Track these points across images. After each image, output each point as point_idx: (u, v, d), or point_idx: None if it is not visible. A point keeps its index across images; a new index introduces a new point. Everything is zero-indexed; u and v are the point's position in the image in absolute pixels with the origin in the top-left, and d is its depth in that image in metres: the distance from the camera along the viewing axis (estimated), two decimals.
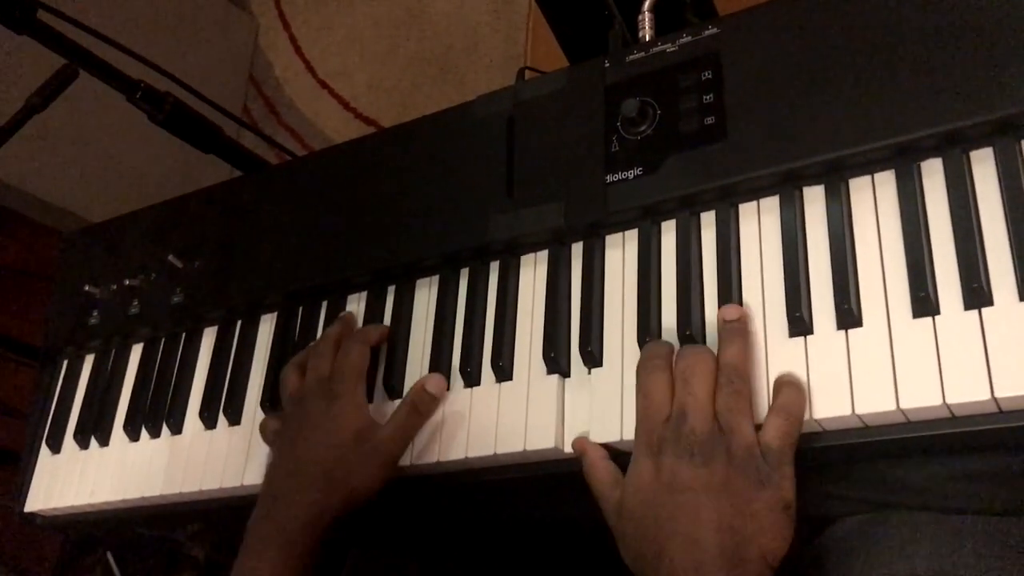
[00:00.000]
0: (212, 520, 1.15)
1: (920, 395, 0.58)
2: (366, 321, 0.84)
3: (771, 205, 0.69)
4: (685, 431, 0.61)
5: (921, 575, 0.63)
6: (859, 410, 0.59)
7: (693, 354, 0.64)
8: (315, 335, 0.86)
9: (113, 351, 1.00)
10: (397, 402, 0.77)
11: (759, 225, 0.69)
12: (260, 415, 0.85)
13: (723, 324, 0.65)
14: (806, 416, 0.61)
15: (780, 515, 0.59)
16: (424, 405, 0.75)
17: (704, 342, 0.67)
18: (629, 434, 0.66)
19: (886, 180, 0.65)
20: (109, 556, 1.67)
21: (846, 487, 0.66)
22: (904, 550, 0.64)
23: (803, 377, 0.62)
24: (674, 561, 0.59)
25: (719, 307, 0.66)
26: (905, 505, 0.65)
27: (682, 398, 0.63)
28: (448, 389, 0.76)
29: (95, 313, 0.99)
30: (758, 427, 0.62)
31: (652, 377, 0.65)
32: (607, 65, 0.78)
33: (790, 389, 0.61)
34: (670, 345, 0.67)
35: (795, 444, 0.61)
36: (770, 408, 0.62)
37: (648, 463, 0.63)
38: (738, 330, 0.64)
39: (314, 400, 0.76)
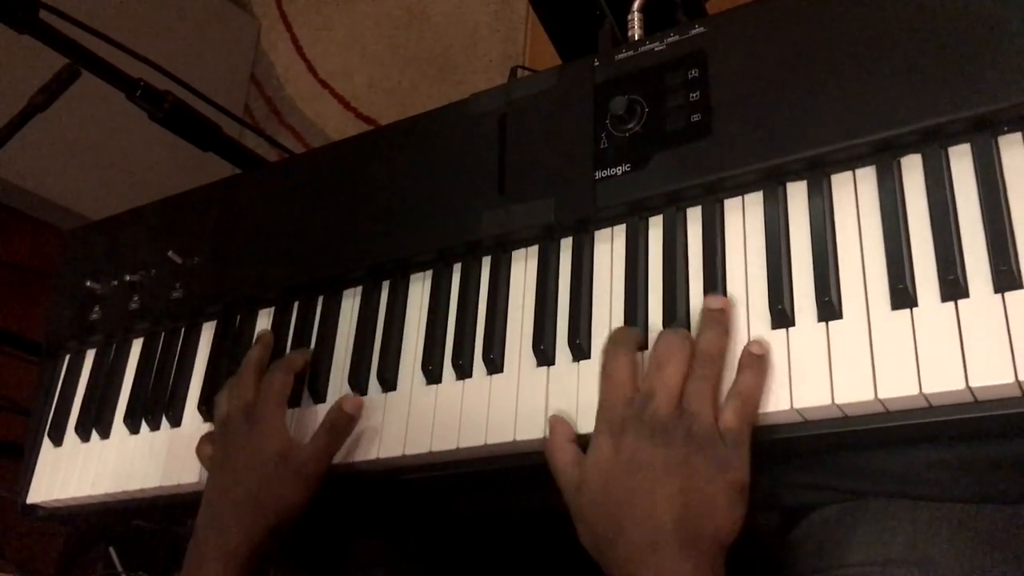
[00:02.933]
0: None
1: (898, 385, 0.59)
2: (361, 315, 0.85)
3: (755, 200, 0.70)
4: (648, 412, 0.63)
5: (897, 561, 0.65)
6: (839, 400, 0.61)
7: (671, 341, 0.65)
8: (311, 329, 0.88)
9: (114, 346, 1.01)
10: (392, 395, 0.79)
11: (743, 220, 0.70)
12: None
13: (706, 312, 0.66)
14: (787, 407, 0.62)
15: (735, 496, 0.61)
16: (342, 424, 0.78)
17: None
18: None
19: (867, 176, 0.67)
20: (111, 551, 1.68)
21: (825, 476, 0.67)
22: (881, 537, 0.66)
23: (784, 367, 0.63)
24: (631, 538, 0.61)
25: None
26: (882, 493, 0.66)
27: (652, 381, 0.64)
28: (437, 388, 0.77)
29: (96, 309, 1.01)
30: None
31: (616, 359, 0.67)
32: (597, 64, 0.79)
33: (749, 372, 0.63)
34: (637, 331, 0.69)
35: (752, 426, 0.62)
36: (730, 391, 0.63)
37: (609, 441, 0.64)
38: (718, 319, 0.66)
39: (237, 424, 0.80)
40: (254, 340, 0.88)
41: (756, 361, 0.63)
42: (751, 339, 0.65)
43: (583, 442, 0.68)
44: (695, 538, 0.60)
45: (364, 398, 0.80)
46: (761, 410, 0.63)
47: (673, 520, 0.60)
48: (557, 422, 0.69)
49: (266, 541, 0.77)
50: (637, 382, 0.66)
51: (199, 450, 0.84)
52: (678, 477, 0.61)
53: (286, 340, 0.89)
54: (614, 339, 0.68)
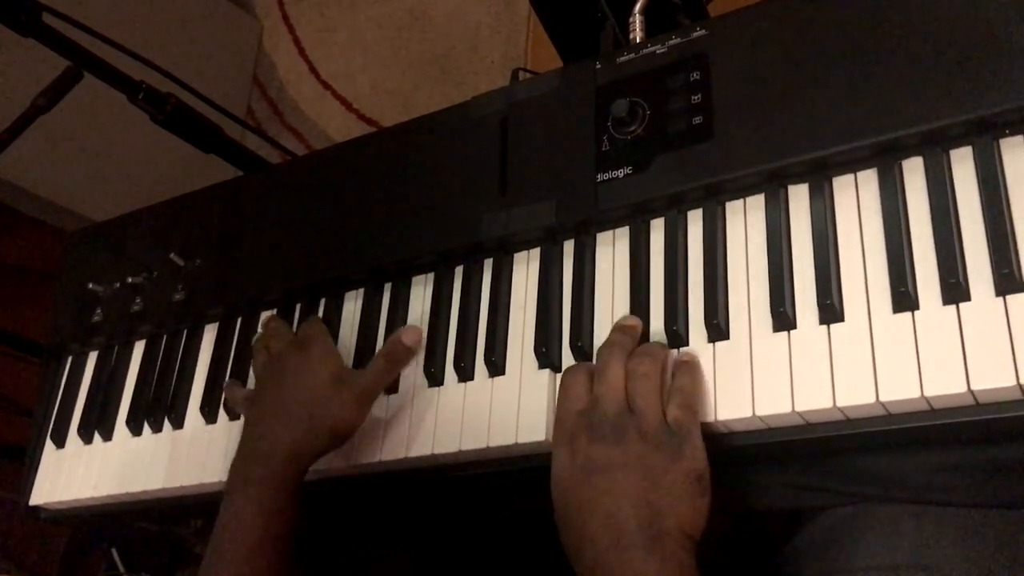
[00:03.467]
0: (214, 516, 1.16)
1: (900, 388, 0.59)
2: (363, 317, 0.85)
3: (757, 203, 0.70)
4: (597, 415, 0.64)
5: (904, 567, 0.65)
6: (841, 403, 0.61)
7: (607, 351, 0.67)
8: None
9: (116, 348, 1.01)
10: (394, 398, 0.79)
11: (745, 223, 0.70)
12: None
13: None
14: (788, 410, 0.62)
15: (694, 485, 0.61)
16: (400, 354, 0.79)
17: (691, 337, 0.69)
18: None
19: (869, 179, 0.67)
20: (114, 552, 1.68)
21: (828, 480, 0.68)
22: (887, 542, 0.66)
23: (786, 370, 0.63)
24: (595, 540, 0.61)
25: (705, 303, 0.68)
26: (887, 498, 0.66)
27: (596, 388, 0.66)
28: (439, 390, 0.78)
29: (98, 311, 1.01)
30: None
31: (571, 375, 0.68)
32: (598, 66, 0.79)
33: (682, 374, 0.65)
34: (621, 347, 0.69)
35: (697, 416, 0.63)
36: (669, 388, 0.65)
37: (564, 451, 0.65)
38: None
39: (289, 355, 0.80)
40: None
41: (686, 365, 0.66)
42: (752, 343, 0.65)
43: None
44: (658, 534, 0.59)
45: (416, 328, 0.80)
46: (763, 412, 0.63)
47: (635, 518, 0.60)
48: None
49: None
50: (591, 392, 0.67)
51: (231, 396, 0.83)
52: (634, 474, 0.61)
53: None
54: (571, 366, 0.70)
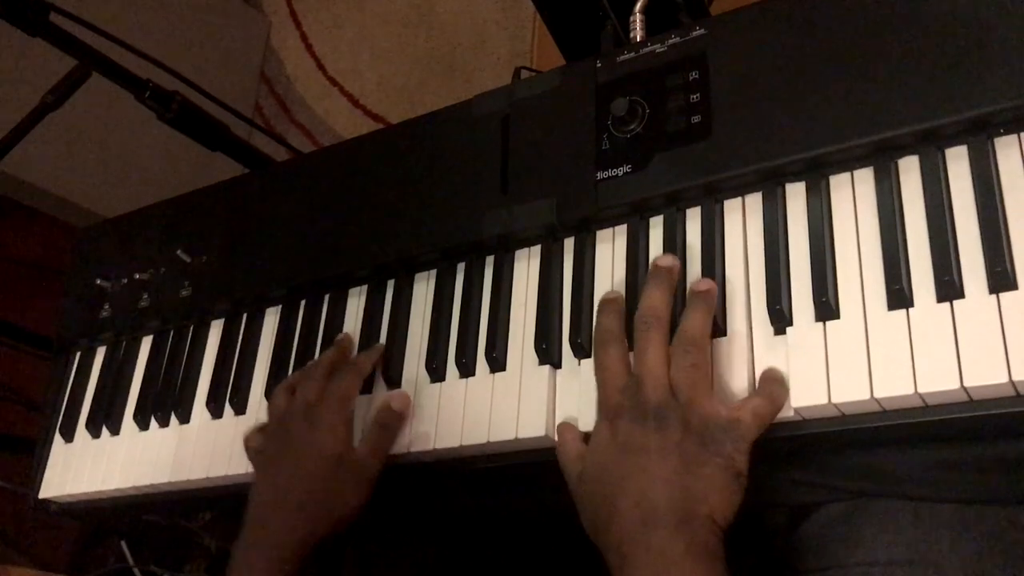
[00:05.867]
0: (221, 509, 1.18)
1: (894, 384, 0.60)
2: (367, 314, 0.86)
3: (754, 201, 0.71)
4: (641, 398, 0.64)
5: (899, 562, 0.65)
6: (835, 399, 0.61)
7: (643, 329, 0.67)
8: (317, 328, 0.89)
9: (124, 343, 1.03)
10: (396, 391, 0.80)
11: (743, 220, 0.71)
12: (265, 405, 0.87)
13: (691, 294, 0.67)
14: (784, 404, 0.63)
15: (731, 479, 0.61)
16: (391, 422, 0.78)
17: None
18: None
19: (865, 177, 0.67)
20: (123, 545, 1.70)
21: (825, 476, 0.68)
22: (883, 538, 0.67)
23: (783, 367, 0.64)
24: (625, 517, 0.61)
25: None
26: (882, 494, 0.67)
27: (637, 369, 0.66)
28: (440, 386, 0.78)
29: (106, 306, 1.02)
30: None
31: (606, 350, 0.68)
32: (599, 65, 0.80)
33: (779, 384, 0.63)
34: (618, 314, 0.69)
35: (763, 429, 0.63)
36: (757, 389, 0.64)
37: (605, 427, 0.65)
38: (703, 301, 0.66)
39: (297, 424, 0.78)
40: (335, 342, 0.86)
41: (774, 379, 0.63)
42: (751, 339, 0.66)
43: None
44: (689, 517, 0.60)
45: (403, 394, 0.79)
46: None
47: (667, 499, 0.60)
48: (565, 427, 0.70)
49: (316, 552, 0.75)
50: (630, 369, 0.67)
51: (247, 441, 0.82)
52: (672, 460, 0.61)
53: (293, 337, 0.90)
54: (599, 329, 0.70)
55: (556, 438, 0.71)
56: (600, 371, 0.68)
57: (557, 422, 0.72)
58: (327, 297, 0.90)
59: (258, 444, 0.81)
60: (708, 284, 0.67)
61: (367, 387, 0.82)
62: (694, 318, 0.66)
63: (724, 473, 0.61)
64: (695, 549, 0.59)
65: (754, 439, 0.62)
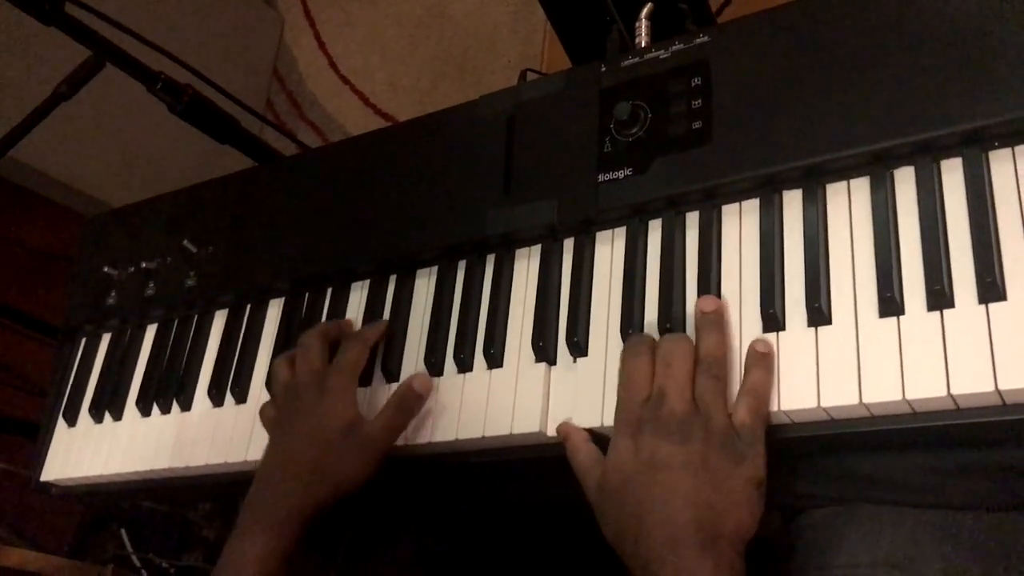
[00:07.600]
0: (221, 498, 1.19)
1: (882, 390, 0.61)
2: (368, 308, 0.87)
3: (752, 207, 0.72)
4: (664, 411, 0.65)
5: (883, 564, 0.66)
6: (824, 403, 0.62)
7: (673, 340, 0.67)
8: (319, 320, 0.90)
9: (128, 330, 1.04)
10: (394, 385, 0.81)
11: (740, 226, 0.72)
12: (266, 395, 0.89)
13: (700, 315, 0.68)
14: (775, 409, 0.64)
15: (753, 491, 0.62)
16: (410, 403, 0.78)
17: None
18: (610, 420, 0.69)
19: (861, 186, 0.68)
20: (123, 532, 1.71)
21: (812, 480, 0.69)
22: (866, 541, 0.67)
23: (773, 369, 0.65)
24: (652, 537, 0.62)
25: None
26: (868, 499, 0.67)
27: (661, 380, 0.66)
28: (439, 380, 0.80)
29: (113, 294, 1.04)
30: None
31: (635, 361, 0.68)
32: (603, 69, 0.81)
33: (758, 370, 0.64)
34: (652, 336, 0.70)
35: (766, 422, 0.64)
36: (740, 389, 0.65)
37: (628, 442, 0.66)
38: (715, 321, 0.67)
39: (306, 391, 0.79)
40: (334, 321, 0.86)
41: (762, 359, 0.65)
42: (755, 339, 0.67)
43: (595, 439, 0.70)
44: (715, 536, 0.61)
45: (426, 376, 0.80)
46: None
47: (693, 519, 0.61)
48: (569, 428, 0.71)
49: (316, 518, 0.76)
50: (653, 382, 0.67)
51: (263, 412, 0.83)
52: (697, 475, 0.62)
53: (295, 329, 0.91)
54: (632, 340, 0.70)
55: (551, 434, 0.72)
56: (624, 381, 0.68)
57: (551, 418, 0.73)
58: (330, 290, 0.91)
59: (271, 414, 0.82)
60: (715, 304, 0.68)
61: (365, 380, 0.83)
62: (711, 338, 0.67)
63: (747, 485, 0.62)
64: (722, 569, 0.60)
65: (763, 438, 0.63)
